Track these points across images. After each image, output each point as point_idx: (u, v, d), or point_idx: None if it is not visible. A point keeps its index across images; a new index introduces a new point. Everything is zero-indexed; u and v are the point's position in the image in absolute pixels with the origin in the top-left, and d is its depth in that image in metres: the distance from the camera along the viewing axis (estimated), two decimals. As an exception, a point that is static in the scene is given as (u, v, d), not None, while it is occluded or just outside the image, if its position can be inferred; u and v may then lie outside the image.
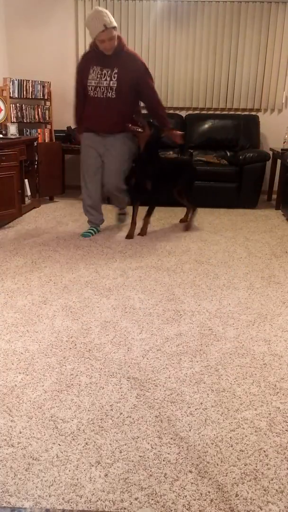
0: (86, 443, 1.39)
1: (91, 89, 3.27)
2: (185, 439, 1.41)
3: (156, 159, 3.58)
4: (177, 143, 3.69)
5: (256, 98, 5.32)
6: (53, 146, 4.84)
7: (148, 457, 1.34)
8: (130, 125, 3.36)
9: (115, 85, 3.21)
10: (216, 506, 1.18)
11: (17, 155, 3.83)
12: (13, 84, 4.74)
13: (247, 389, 1.68)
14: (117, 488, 1.23)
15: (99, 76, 3.22)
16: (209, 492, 1.22)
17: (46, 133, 4.93)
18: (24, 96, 4.85)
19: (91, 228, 3.73)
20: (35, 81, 4.90)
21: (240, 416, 1.53)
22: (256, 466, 1.31)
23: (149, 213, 3.71)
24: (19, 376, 1.73)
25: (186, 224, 3.98)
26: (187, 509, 1.17)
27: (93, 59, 3.27)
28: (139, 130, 3.39)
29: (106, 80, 3.21)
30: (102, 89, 3.24)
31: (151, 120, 3.49)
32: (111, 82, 3.21)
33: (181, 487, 1.23)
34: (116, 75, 3.19)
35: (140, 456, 1.34)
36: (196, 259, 3.14)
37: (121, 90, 3.23)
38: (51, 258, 3.08)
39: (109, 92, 3.24)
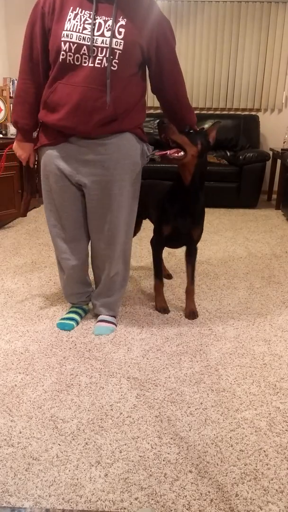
0: (86, 443, 1.39)
1: (68, 49, 1.68)
2: (185, 439, 1.41)
3: (204, 185, 2.11)
4: None
5: (256, 98, 5.32)
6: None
7: (148, 457, 1.34)
8: (168, 152, 1.91)
9: (121, 46, 1.68)
10: (216, 506, 1.18)
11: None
12: (13, 84, 4.74)
13: (247, 389, 1.68)
14: (117, 488, 1.23)
15: (87, 27, 1.67)
16: (209, 492, 1.22)
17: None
18: (24, 96, 4.85)
19: (74, 310, 2.23)
20: (35, 81, 4.90)
21: (240, 416, 1.53)
22: (256, 466, 1.31)
23: (193, 275, 2.30)
24: (19, 376, 1.73)
25: None
26: (187, 509, 1.17)
27: None
28: (180, 154, 1.93)
29: (103, 36, 1.68)
30: (94, 51, 1.67)
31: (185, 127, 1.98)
32: (114, 40, 1.67)
33: (181, 487, 1.23)
34: (123, 30, 1.68)
35: (140, 456, 1.34)
36: (196, 259, 3.13)
37: (129, 56, 1.71)
38: (51, 258, 3.08)
39: (107, 59, 1.68)
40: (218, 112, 5.35)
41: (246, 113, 5.37)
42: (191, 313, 2.25)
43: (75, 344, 1.97)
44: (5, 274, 2.78)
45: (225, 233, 3.84)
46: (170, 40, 1.81)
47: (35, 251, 3.24)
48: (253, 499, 1.20)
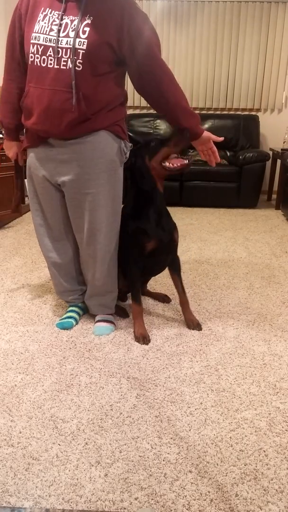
0: (86, 443, 1.39)
1: (35, 52, 1.71)
2: (185, 439, 1.41)
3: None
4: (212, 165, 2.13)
5: (256, 98, 5.32)
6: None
7: (148, 457, 1.34)
8: (168, 164, 1.89)
9: (84, 46, 1.66)
10: (216, 506, 1.18)
11: (17, 155, 3.83)
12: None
13: (247, 389, 1.68)
14: (117, 488, 1.23)
15: (54, 28, 1.68)
16: (209, 492, 1.22)
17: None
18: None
19: (71, 309, 2.22)
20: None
21: (240, 416, 1.53)
22: (256, 466, 1.31)
23: (183, 286, 2.16)
24: (19, 376, 1.73)
25: None
26: (187, 509, 1.17)
27: None
28: (185, 162, 1.91)
29: (67, 36, 1.67)
30: (59, 53, 1.68)
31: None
32: (78, 40, 1.66)
33: (181, 487, 1.23)
34: (88, 29, 1.67)
35: (140, 456, 1.34)
36: (196, 259, 3.14)
37: (94, 56, 1.68)
38: (51, 258, 3.08)
39: (71, 60, 1.67)
40: (218, 112, 5.36)
41: (246, 113, 5.37)
42: (196, 325, 2.12)
43: (75, 344, 1.97)
44: (5, 274, 2.78)
45: (225, 233, 3.84)
46: (146, 34, 1.70)
47: (35, 251, 3.24)
48: (253, 499, 1.20)
